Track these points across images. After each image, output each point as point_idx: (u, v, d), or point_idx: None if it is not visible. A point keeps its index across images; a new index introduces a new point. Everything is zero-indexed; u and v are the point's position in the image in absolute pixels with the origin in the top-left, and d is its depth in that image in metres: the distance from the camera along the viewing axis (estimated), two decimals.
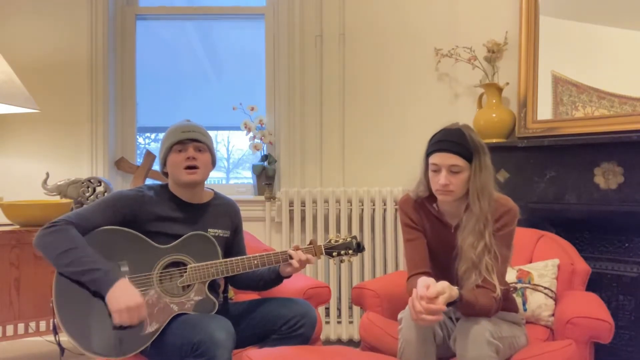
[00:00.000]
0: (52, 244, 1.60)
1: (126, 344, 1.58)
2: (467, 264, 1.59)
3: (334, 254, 1.86)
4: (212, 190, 1.94)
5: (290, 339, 1.74)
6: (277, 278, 1.85)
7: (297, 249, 1.80)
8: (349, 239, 1.88)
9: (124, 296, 1.54)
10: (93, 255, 1.59)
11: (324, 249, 1.85)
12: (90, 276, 1.56)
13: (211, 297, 1.70)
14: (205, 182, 1.87)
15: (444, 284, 1.46)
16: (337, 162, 2.98)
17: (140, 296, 1.57)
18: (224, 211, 1.90)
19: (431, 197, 1.74)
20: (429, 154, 1.65)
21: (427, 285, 1.45)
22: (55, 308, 1.59)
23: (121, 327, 1.56)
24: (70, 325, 1.58)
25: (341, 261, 1.90)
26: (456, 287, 1.49)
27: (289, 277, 1.85)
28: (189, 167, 1.75)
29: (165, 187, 1.83)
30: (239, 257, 1.76)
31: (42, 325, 2.51)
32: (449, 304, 1.47)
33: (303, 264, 1.79)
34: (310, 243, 1.85)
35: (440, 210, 1.73)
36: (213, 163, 1.86)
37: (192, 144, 1.76)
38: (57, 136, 2.95)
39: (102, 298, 1.56)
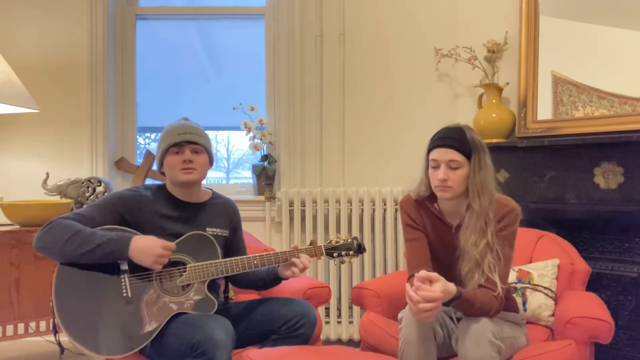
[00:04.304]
0: (53, 238, 1.61)
1: (125, 343, 1.58)
2: (470, 264, 1.59)
3: (335, 254, 1.86)
4: (211, 190, 1.94)
5: (290, 339, 1.74)
6: (276, 279, 1.85)
7: (296, 248, 1.80)
8: (349, 240, 1.88)
9: (147, 249, 1.61)
10: (96, 232, 1.62)
11: (325, 250, 1.85)
12: (103, 250, 1.59)
13: (211, 296, 1.70)
14: (206, 182, 1.87)
15: (434, 275, 1.45)
16: (337, 162, 2.98)
17: (157, 240, 1.64)
18: (222, 210, 1.90)
19: (432, 197, 1.74)
20: (429, 150, 1.66)
21: (421, 277, 1.44)
22: (55, 308, 1.59)
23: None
24: (70, 324, 1.58)
25: (342, 262, 1.90)
26: (452, 284, 1.49)
27: (287, 279, 1.85)
28: (185, 169, 1.75)
29: (163, 187, 1.84)
30: (238, 257, 1.76)
31: (42, 325, 2.50)
32: (448, 302, 1.47)
33: (304, 270, 1.79)
34: (311, 243, 1.85)
35: (441, 210, 1.73)
36: (211, 162, 1.86)
37: (188, 146, 1.76)
38: (57, 136, 2.95)
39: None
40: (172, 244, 1.66)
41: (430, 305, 1.40)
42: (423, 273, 1.45)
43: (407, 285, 1.46)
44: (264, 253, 1.79)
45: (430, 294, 1.40)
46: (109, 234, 1.62)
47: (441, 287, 1.43)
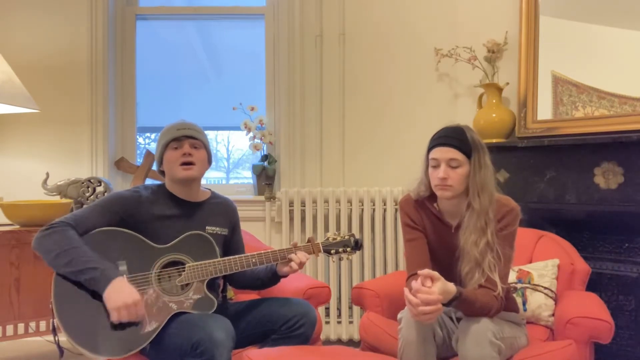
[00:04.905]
0: (50, 245, 1.61)
1: (125, 343, 1.58)
2: (471, 264, 1.59)
3: (332, 251, 1.86)
4: (209, 190, 1.95)
5: (290, 338, 1.74)
6: (274, 277, 1.85)
7: (295, 245, 1.80)
8: (347, 237, 1.88)
9: (121, 294, 1.54)
10: (90, 255, 1.60)
11: (322, 247, 1.85)
12: (87, 275, 1.57)
13: (210, 295, 1.70)
14: (206, 182, 1.87)
15: (435, 273, 1.45)
16: (337, 162, 2.98)
17: (137, 294, 1.57)
18: (221, 209, 1.90)
19: (432, 197, 1.74)
20: (429, 150, 1.66)
21: (423, 274, 1.45)
22: (55, 308, 1.59)
23: (120, 326, 1.56)
24: (69, 325, 1.58)
25: (340, 259, 1.90)
26: (452, 284, 1.49)
27: (286, 276, 1.85)
28: (184, 164, 1.76)
29: (162, 186, 1.84)
30: (236, 256, 1.76)
31: (42, 325, 2.51)
32: (448, 303, 1.47)
33: (302, 266, 1.79)
34: (309, 241, 1.85)
35: (441, 210, 1.73)
36: (209, 161, 1.87)
37: (187, 140, 1.77)
38: (57, 136, 2.95)
39: (101, 297, 1.57)
40: (142, 312, 1.57)
41: (429, 308, 1.39)
42: (425, 271, 1.45)
43: (406, 289, 1.45)
44: (262, 251, 1.79)
45: (430, 296, 1.40)
46: (99, 263, 1.58)
47: (440, 288, 1.43)
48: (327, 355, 1.68)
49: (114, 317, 1.54)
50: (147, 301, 1.64)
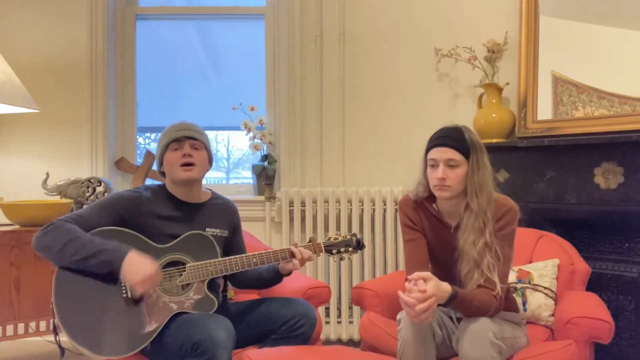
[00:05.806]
0: (51, 241, 1.61)
1: (125, 343, 1.58)
2: (469, 264, 1.59)
3: (334, 251, 1.86)
4: (210, 190, 1.94)
5: (290, 338, 1.74)
6: (276, 276, 1.85)
7: (296, 246, 1.80)
8: (348, 237, 1.88)
9: (138, 267, 1.57)
10: (95, 240, 1.61)
11: (324, 247, 1.85)
12: (98, 259, 1.58)
13: (211, 296, 1.70)
14: (206, 182, 1.87)
15: (426, 274, 1.46)
16: (337, 162, 2.98)
17: (152, 262, 1.60)
18: (221, 211, 1.90)
19: (431, 198, 1.74)
20: (427, 150, 1.66)
21: (414, 277, 1.45)
22: (55, 309, 1.60)
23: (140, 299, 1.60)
24: (70, 325, 1.58)
25: (341, 259, 1.90)
26: (447, 283, 1.49)
27: (288, 274, 1.85)
28: (185, 165, 1.75)
29: (162, 187, 1.84)
30: (237, 256, 1.76)
31: (42, 325, 2.51)
32: (445, 303, 1.47)
33: (304, 262, 1.79)
34: (310, 241, 1.85)
35: (440, 210, 1.73)
36: (210, 162, 1.87)
37: (188, 141, 1.77)
38: (57, 136, 2.95)
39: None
40: (160, 277, 1.64)
41: (425, 304, 1.40)
42: (416, 274, 1.46)
43: (400, 292, 1.46)
44: (262, 251, 1.79)
45: (422, 294, 1.40)
46: (106, 244, 1.61)
47: (433, 285, 1.43)
48: (327, 355, 1.68)
49: (139, 291, 1.58)
50: (148, 301, 1.64)
